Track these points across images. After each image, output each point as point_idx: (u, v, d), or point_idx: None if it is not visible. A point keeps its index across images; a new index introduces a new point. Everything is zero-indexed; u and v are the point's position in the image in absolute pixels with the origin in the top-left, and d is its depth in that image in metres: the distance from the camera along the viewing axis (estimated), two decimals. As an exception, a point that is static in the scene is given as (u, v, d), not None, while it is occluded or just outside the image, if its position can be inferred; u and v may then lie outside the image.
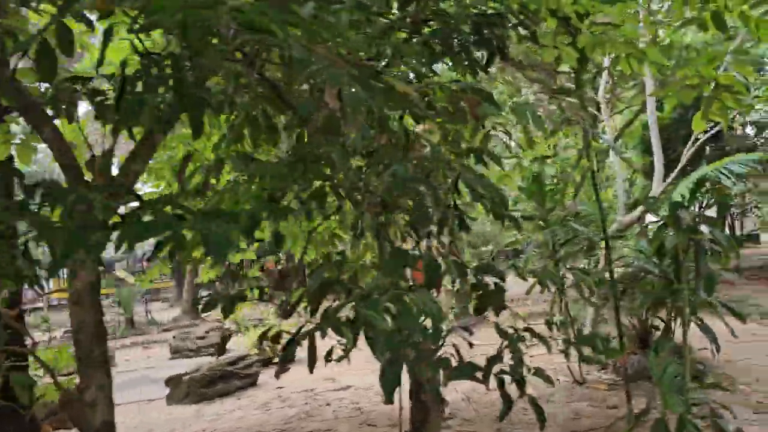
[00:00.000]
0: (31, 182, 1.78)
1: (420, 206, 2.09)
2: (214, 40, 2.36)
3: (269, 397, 7.01)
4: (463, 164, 2.71)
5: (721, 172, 5.89)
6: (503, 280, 2.59)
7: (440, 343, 2.49)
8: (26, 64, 2.99)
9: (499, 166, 3.30)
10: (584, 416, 4.99)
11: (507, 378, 2.82)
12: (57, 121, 2.71)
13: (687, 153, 6.22)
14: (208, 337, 10.55)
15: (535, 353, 6.82)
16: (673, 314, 4.85)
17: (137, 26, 1.72)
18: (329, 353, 2.38)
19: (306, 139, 3.06)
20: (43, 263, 2.09)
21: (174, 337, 11.18)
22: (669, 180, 6.25)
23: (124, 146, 3.30)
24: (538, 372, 2.52)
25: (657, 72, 6.81)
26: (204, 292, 12.64)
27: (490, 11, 3.33)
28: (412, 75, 3.77)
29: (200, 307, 2.52)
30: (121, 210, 2.01)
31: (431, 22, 4.05)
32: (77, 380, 2.30)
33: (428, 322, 2.67)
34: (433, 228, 3.38)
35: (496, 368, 2.87)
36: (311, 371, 2.37)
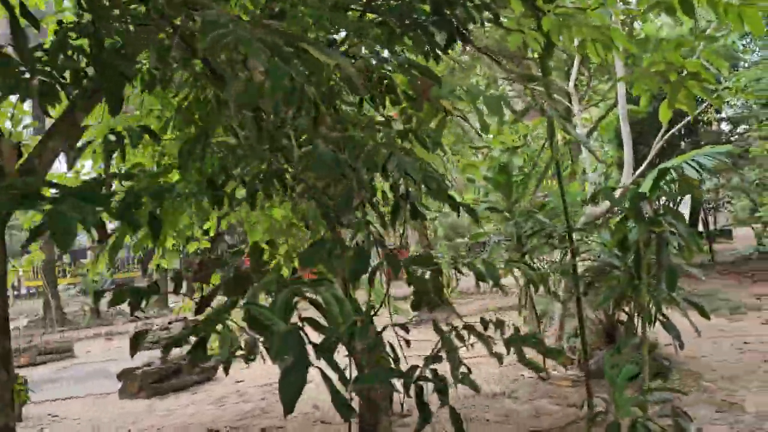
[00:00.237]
0: None
1: (345, 191, 1.87)
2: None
3: (226, 392, 6.77)
4: (402, 147, 2.50)
5: (689, 165, 5.79)
6: (440, 273, 2.38)
7: (372, 342, 2.28)
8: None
9: (437, 151, 3.09)
10: (545, 414, 4.84)
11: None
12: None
13: (656, 146, 6.08)
14: (171, 329, 10.25)
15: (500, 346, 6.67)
16: (636, 310, 4.70)
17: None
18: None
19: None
20: None
21: (136, 328, 10.86)
22: (638, 173, 6.11)
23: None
24: (465, 378, 2.31)
25: (630, 62, 6.68)
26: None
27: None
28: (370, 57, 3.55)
29: (108, 301, 2.28)
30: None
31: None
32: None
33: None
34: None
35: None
36: (226, 374, 2.16)
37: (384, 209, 4.32)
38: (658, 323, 4.06)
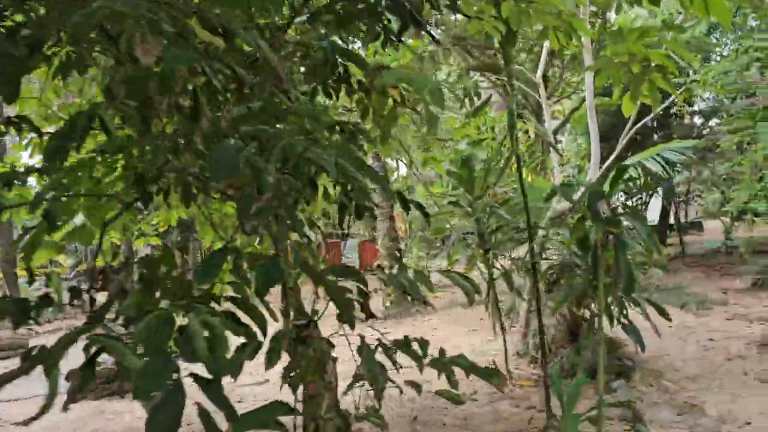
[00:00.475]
0: None
1: (249, 191, 1.63)
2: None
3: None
4: (326, 140, 2.26)
5: (654, 160, 5.67)
6: (365, 284, 2.16)
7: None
8: None
9: (368, 143, 2.88)
10: (503, 418, 4.68)
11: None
12: None
13: (623, 140, 5.94)
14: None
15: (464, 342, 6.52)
16: (597, 310, 4.55)
17: None
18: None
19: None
20: None
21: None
22: (605, 167, 5.96)
23: None
24: (370, 412, 2.11)
25: (602, 53, 6.51)
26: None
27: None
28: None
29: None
30: None
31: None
32: None
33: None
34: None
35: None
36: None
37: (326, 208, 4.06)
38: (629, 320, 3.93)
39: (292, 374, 2.33)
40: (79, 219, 3.66)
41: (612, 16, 10.42)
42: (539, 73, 6.74)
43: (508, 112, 4.21)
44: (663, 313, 3.95)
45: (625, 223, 3.32)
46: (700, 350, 6.27)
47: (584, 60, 6.47)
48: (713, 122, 15.79)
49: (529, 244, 4.25)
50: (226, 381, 2.70)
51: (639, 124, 5.87)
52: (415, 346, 2.42)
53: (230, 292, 2.41)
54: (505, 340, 5.81)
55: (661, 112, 16.27)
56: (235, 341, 1.89)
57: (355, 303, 2.47)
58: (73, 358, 1.76)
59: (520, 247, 6.26)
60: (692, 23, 5.81)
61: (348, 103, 4.41)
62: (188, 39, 1.79)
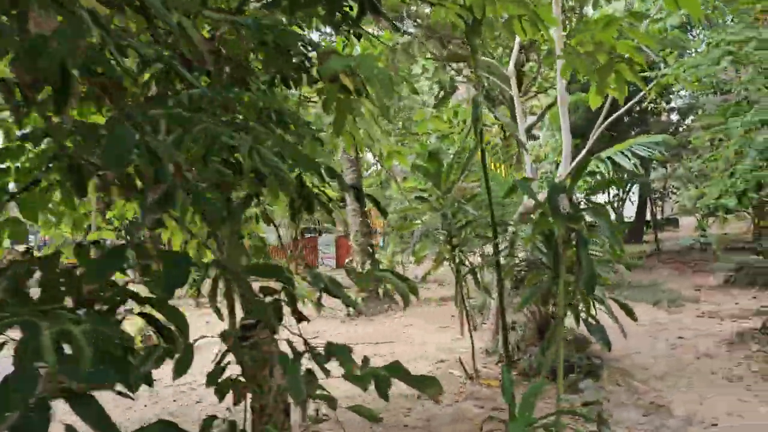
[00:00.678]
0: None
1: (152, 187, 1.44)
2: None
3: (139, 393, 6.26)
4: (263, 128, 2.07)
5: (623, 155, 5.57)
6: (292, 285, 1.98)
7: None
8: None
9: (306, 133, 2.70)
10: (466, 419, 4.54)
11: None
12: None
13: (594, 134, 5.82)
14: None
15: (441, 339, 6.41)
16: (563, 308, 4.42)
17: None
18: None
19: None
20: None
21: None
22: (576, 162, 5.84)
23: None
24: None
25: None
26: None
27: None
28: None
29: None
30: None
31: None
32: None
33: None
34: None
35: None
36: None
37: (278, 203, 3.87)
38: (595, 318, 3.81)
39: (219, 380, 2.14)
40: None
41: (589, 11, 10.34)
42: (511, 66, 6.60)
43: (472, 104, 4.05)
44: (630, 312, 3.83)
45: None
46: (670, 348, 6.20)
47: (556, 53, 6.33)
48: (690, 119, 15.86)
49: (492, 240, 4.10)
50: (199, 378, 2.53)
51: (611, 119, 5.76)
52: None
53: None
54: (472, 338, 5.68)
55: (638, 109, 16.37)
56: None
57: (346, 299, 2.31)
58: None
59: (491, 243, 6.14)
60: (663, 15, 5.71)
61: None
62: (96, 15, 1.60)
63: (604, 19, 3.59)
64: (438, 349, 7.08)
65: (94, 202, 4.08)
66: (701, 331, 6.73)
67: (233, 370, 2.44)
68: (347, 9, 3.58)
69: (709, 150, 6.44)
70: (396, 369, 1.79)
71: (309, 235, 20.47)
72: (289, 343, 2.06)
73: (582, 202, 3.27)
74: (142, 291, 1.89)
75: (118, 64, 1.68)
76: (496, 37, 11.20)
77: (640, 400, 4.74)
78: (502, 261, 5.90)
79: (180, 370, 1.74)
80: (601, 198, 18.30)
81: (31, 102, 1.47)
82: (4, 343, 1.53)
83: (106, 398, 1.38)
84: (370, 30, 8.70)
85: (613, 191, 17.78)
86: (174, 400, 5.80)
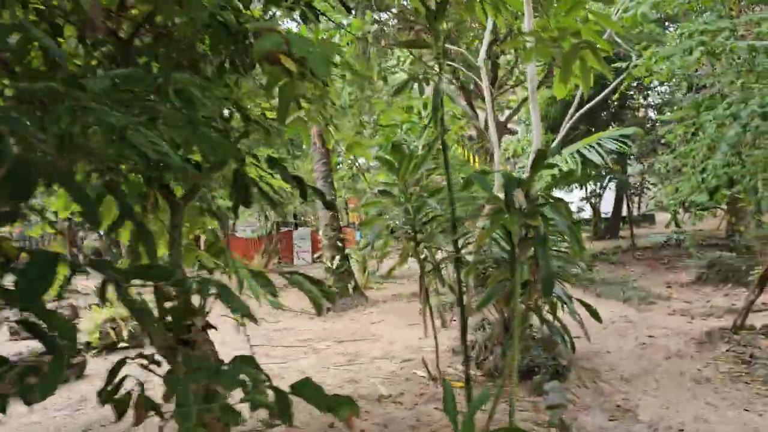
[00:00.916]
0: None
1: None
2: None
3: (91, 392, 5.96)
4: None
5: (592, 148, 5.40)
6: (187, 290, 1.73)
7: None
8: None
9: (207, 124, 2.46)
10: (424, 424, 4.33)
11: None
12: None
13: (564, 128, 5.63)
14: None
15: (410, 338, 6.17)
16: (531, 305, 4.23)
17: None
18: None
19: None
20: None
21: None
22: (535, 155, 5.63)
23: None
24: None
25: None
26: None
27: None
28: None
29: None
30: None
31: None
32: None
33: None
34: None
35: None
36: None
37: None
38: (566, 315, 3.63)
39: (115, 395, 1.89)
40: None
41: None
42: (481, 55, 6.37)
43: (433, 92, 3.81)
44: (594, 314, 3.65)
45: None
46: (639, 347, 6.06)
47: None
48: (668, 114, 15.79)
49: (452, 236, 3.88)
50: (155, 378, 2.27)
51: (581, 112, 5.57)
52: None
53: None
54: (436, 338, 5.46)
55: (616, 104, 16.30)
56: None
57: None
58: None
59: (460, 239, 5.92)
60: (634, 2, 5.53)
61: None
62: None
63: (569, 2, 3.37)
64: (405, 347, 6.87)
65: None
66: (671, 330, 6.61)
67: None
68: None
69: (683, 145, 6.29)
70: (305, 388, 1.54)
71: (284, 229, 20.14)
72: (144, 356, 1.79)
73: (540, 197, 3.06)
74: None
75: None
76: (474, 27, 10.99)
77: (606, 402, 4.57)
78: (470, 258, 5.70)
79: (45, 389, 1.48)
80: (577, 193, 18.28)
81: None
82: None
83: None
84: (339, 20, 8.43)
85: (590, 186, 17.74)
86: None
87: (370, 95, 6.60)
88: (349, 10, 3.70)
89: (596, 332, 6.81)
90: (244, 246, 18.95)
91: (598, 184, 17.42)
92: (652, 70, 5.91)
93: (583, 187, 17.74)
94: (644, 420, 4.17)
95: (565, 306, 3.69)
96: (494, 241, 3.97)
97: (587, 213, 19.42)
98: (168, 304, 1.96)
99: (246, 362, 1.70)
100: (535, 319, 3.83)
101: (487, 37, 6.41)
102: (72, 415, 5.33)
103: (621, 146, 5.24)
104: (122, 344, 7.78)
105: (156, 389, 2.18)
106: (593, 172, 13.71)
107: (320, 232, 10.01)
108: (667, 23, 14.31)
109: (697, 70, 7.97)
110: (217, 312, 2.34)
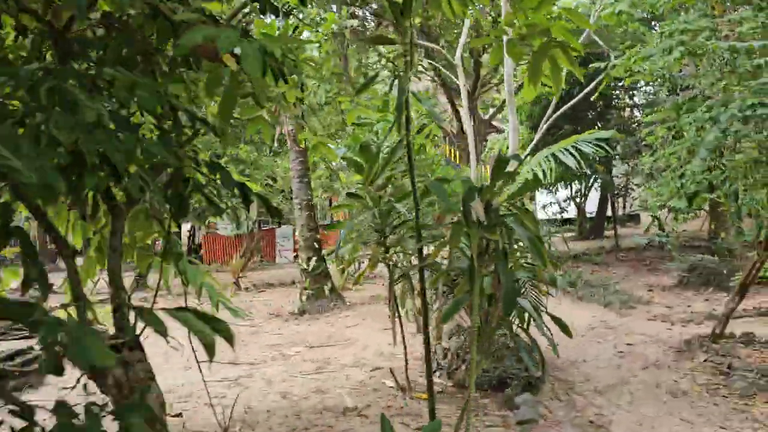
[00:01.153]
0: None
1: None
2: None
3: (39, 403, 5.68)
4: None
5: (567, 151, 5.20)
6: (52, 333, 1.49)
7: None
8: None
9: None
10: (387, 441, 4.10)
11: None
12: None
13: (541, 129, 5.42)
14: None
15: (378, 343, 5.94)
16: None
17: None
18: None
19: None
20: None
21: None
22: (523, 157, 5.43)
23: None
24: None
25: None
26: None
27: None
28: None
29: None
30: None
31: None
32: None
33: None
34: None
35: None
36: None
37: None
38: (543, 324, 3.43)
39: None
40: None
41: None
42: (458, 53, 6.15)
43: (398, 91, 3.58)
44: (564, 328, 3.43)
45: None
46: (617, 356, 5.89)
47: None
48: (649, 117, 15.68)
49: (416, 242, 3.65)
50: None
51: (559, 112, 5.37)
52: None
53: None
54: (405, 347, 5.25)
55: (602, 104, 16.15)
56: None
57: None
58: None
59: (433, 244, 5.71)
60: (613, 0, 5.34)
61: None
62: None
63: (538, -2, 3.15)
64: (378, 353, 6.66)
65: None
66: (650, 337, 6.44)
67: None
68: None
69: (664, 147, 6.11)
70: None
71: (266, 227, 19.83)
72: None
73: (502, 208, 2.85)
74: None
75: None
76: (458, 24, 10.76)
77: (578, 417, 4.39)
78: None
79: None
80: (563, 193, 18.14)
81: None
82: None
83: None
84: (313, 14, 8.17)
85: (575, 186, 17.61)
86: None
87: (346, 93, 6.36)
88: (303, 2, 3.46)
89: (574, 339, 6.61)
90: (225, 244, 18.64)
91: (584, 183, 17.30)
92: (632, 70, 5.72)
93: (569, 187, 17.61)
94: (616, 437, 3.99)
95: (534, 320, 3.48)
96: (461, 250, 3.76)
97: (572, 213, 19.31)
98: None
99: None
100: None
101: (464, 35, 6.19)
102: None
103: (597, 150, 5.06)
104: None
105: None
106: (579, 172, 13.56)
107: (297, 233, 9.76)
108: (654, 23, 14.18)
109: (681, 71, 7.81)
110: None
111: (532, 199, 18.25)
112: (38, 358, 6.42)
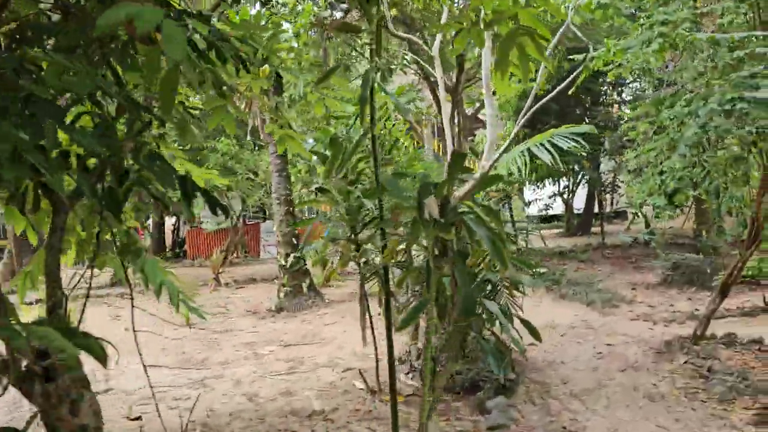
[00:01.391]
0: None
1: None
2: None
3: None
4: None
5: (542, 146, 5.04)
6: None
7: None
8: None
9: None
10: (351, 448, 3.94)
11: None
12: None
13: (518, 123, 5.24)
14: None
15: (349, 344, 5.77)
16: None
17: None
18: None
19: None
20: None
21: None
22: (498, 153, 5.25)
23: None
24: None
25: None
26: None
27: None
28: None
29: None
30: None
31: None
32: None
33: None
34: None
35: None
36: None
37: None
38: (511, 328, 3.25)
39: None
40: None
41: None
42: (436, 45, 5.95)
43: (362, 82, 3.39)
44: (534, 333, 3.26)
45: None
46: (596, 357, 5.74)
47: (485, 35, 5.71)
48: (630, 112, 15.57)
49: (381, 240, 3.47)
50: None
51: (537, 105, 5.18)
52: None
53: None
54: (376, 348, 5.08)
55: (590, 100, 16.02)
56: None
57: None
58: None
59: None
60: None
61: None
62: None
63: (506, -20, 2.97)
64: (352, 353, 6.48)
65: None
66: (631, 338, 6.30)
67: None
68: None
69: (646, 143, 5.96)
70: None
71: (251, 222, 19.60)
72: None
73: (464, 205, 2.67)
74: None
75: None
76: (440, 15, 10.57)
77: (552, 423, 4.23)
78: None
79: None
80: (549, 188, 18.00)
81: None
82: None
83: None
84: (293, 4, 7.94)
85: (563, 182, 17.49)
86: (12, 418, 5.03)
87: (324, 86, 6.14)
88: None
89: (554, 339, 6.49)
90: (209, 239, 18.38)
91: (571, 180, 17.19)
92: (614, 63, 5.56)
93: (556, 183, 17.49)
94: (590, 444, 3.83)
95: (501, 324, 3.30)
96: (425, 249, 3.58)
97: (559, 209, 19.22)
98: None
99: None
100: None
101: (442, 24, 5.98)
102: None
103: (574, 146, 4.89)
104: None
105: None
106: (565, 169, 13.43)
107: (275, 228, 9.55)
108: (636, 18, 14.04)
109: (666, 66, 7.66)
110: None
111: (521, 190, 18.09)
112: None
